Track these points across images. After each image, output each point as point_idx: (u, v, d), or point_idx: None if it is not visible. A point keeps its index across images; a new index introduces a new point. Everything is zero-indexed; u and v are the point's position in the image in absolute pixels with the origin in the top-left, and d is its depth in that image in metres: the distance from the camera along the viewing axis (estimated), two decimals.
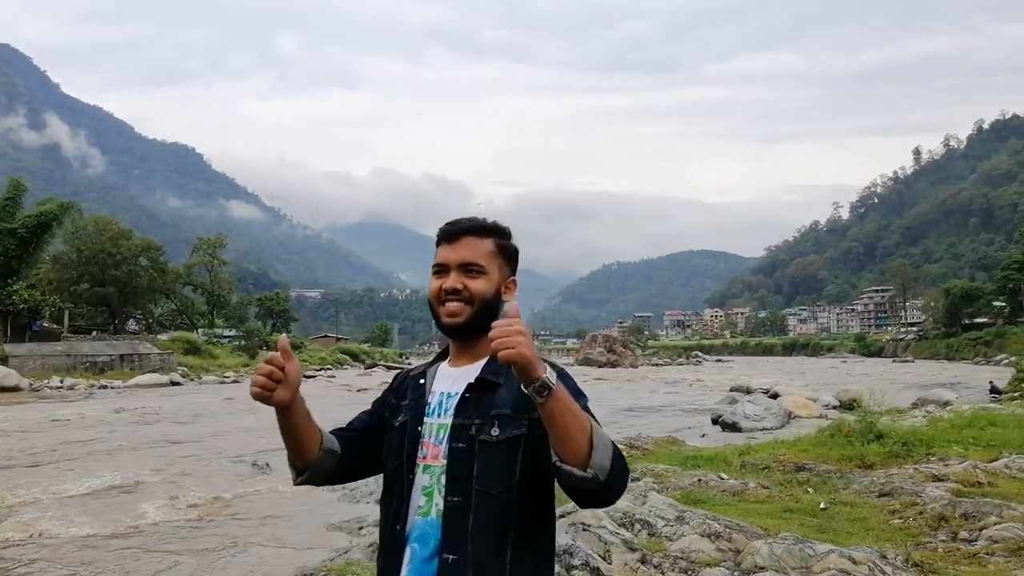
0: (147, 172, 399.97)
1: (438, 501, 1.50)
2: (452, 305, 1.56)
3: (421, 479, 1.55)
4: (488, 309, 1.56)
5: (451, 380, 1.60)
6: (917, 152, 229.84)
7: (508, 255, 1.63)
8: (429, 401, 1.59)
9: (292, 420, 1.60)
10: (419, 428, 1.58)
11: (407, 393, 1.66)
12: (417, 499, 1.54)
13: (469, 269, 1.57)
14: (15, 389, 30.67)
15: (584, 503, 1.44)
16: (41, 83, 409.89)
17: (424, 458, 1.55)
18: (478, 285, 1.57)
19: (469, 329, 1.56)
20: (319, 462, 1.68)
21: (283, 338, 1.58)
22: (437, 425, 1.55)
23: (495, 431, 1.46)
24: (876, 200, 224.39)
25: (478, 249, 1.58)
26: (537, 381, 1.30)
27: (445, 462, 1.50)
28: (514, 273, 1.64)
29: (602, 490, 1.35)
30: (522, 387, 1.33)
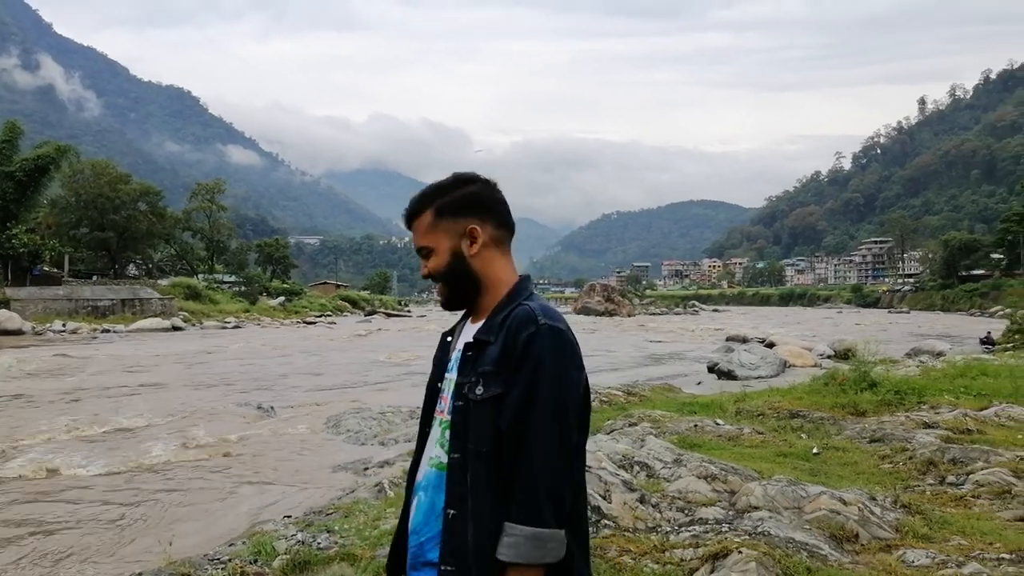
0: (143, 115, 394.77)
1: (443, 456, 1.52)
2: (436, 287, 1.60)
3: (435, 432, 1.58)
4: (454, 275, 1.55)
5: (466, 337, 1.61)
6: (922, 102, 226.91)
7: (454, 208, 1.54)
8: (451, 356, 1.61)
9: None
10: (439, 383, 1.61)
11: (439, 349, 1.70)
12: (430, 450, 1.58)
13: (422, 253, 1.59)
14: (18, 332, 30.90)
15: None
16: (34, 22, 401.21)
17: (441, 412, 1.58)
18: (433, 264, 1.57)
19: (455, 303, 1.59)
20: None
21: None
22: (449, 381, 1.58)
23: (479, 389, 1.46)
24: (879, 151, 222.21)
25: (421, 228, 1.56)
26: None
27: (449, 418, 1.52)
28: (477, 215, 1.54)
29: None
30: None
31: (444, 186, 1.57)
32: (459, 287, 1.56)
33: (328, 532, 4.91)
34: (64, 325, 34.34)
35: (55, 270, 46.20)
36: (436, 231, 1.54)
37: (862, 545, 4.06)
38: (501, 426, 1.42)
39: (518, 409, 1.41)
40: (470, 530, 1.42)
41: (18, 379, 15.83)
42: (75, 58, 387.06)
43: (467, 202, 1.54)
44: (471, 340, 1.51)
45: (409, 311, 78.89)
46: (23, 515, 6.34)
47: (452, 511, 1.46)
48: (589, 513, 4.48)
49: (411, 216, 1.59)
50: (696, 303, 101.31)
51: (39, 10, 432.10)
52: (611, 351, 25.37)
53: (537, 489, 1.37)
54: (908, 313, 70.77)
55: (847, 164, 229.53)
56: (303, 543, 4.75)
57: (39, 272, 43.79)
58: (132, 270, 60.50)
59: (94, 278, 49.26)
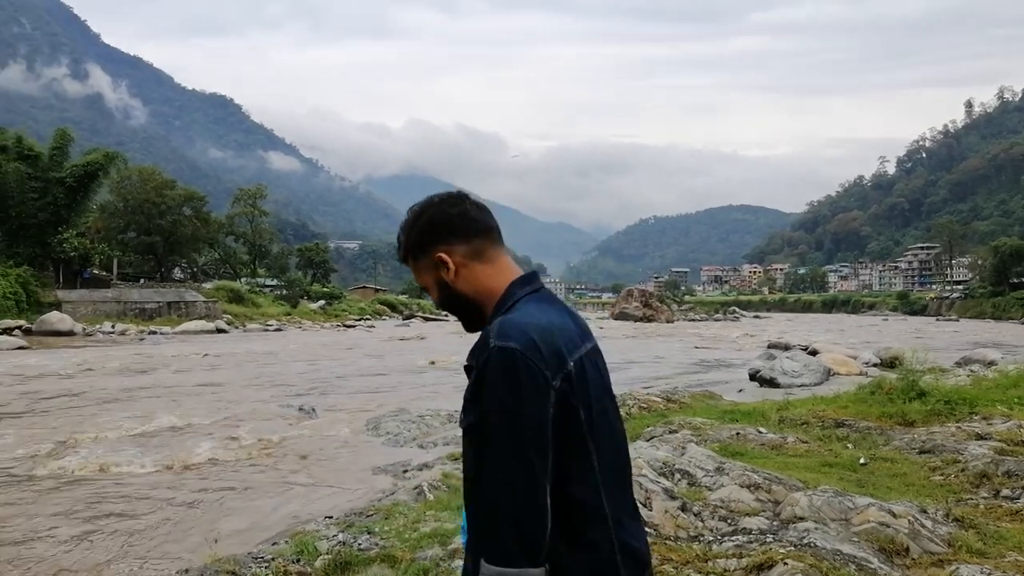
0: (187, 123, 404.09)
1: None
2: None
3: None
4: (450, 304, 1.49)
5: None
6: (969, 105, 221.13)
7: (420, 244, 1.47)
8: None
9: None
10: None
11: None
12: None
13: (425, 291, 1.54)
14: (69, 333, 31.84)
15: None
16: (82, 33, 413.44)
17: None
18: (433, 298, 1.53)
19: (469, 326, 1.49)
20: None
21: None
22: None
23: (461, 417, 1.38)
24: (924, 155, 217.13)
25: (414, 271, 1.50)
26: None
27: None
28: (439, 241, 1.44)
29: None
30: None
31: (405, 226, 1.49)
32: (461, 312, 1.49)
33: (369, 533, 4.95)
34: (113, 326, 35.28)
35: (104, 273, 47.48)
36: (419, 271, 1.48)
37: (913, 559, 3.95)
38: None
39: (473, 439, 1.32)
40: (467, 562, 1.35)
41: (71, 377, 16.29)
42: (122, 67, 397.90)
43: (426, 233, 1.46)
44: (464, 364, 1.41)
45: (447, 316, 79.04)
46: (75, 512, 6.51)
47: (464, 540, 1.42)
48: None
49: (403, 261, 1.52)
50: (737, 309, 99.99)
51: (88, 21, 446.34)
52: (649, 357, 25.16)
53: (497, 525, 1.26)
54: (957, 321, 68.91)
55: (891, 168, 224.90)
56: (344, 544, 4.80)
57: (89, 275, 45.06)
58: (177, 273, 61.93)
59: (141, 281, 50.52)
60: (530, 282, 1.44)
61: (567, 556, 1.30)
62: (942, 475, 5.91)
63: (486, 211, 1.49)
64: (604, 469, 1.35)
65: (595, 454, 1.34)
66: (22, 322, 32.50)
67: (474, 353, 1.35)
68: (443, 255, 1.44)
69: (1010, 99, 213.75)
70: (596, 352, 1.43)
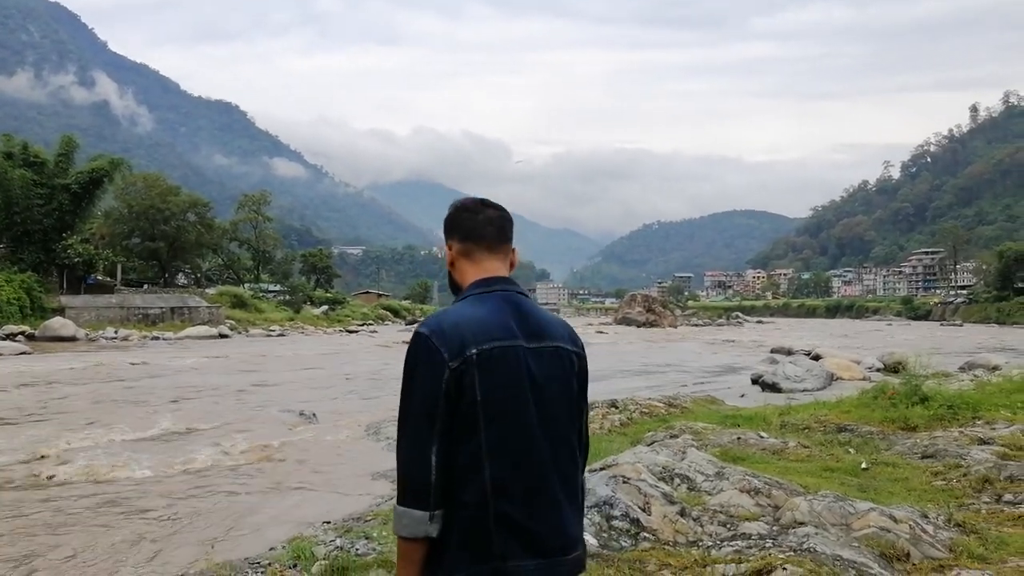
0: (193, 129, 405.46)
1: None
2: None
3: None
4: (450, 285, 1.80)
5: None
6: (974, 109, 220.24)
7: (444, 232, 1.80)
8: None
9: None
10: None
11: None
12: None
13: None
14: (72, 339, 31.88)
15: None
16: (89, 41, 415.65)
17: None
18: None
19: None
20: None
21: None
22: None
23: None
24: (929, 159, 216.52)
25: None
26: None
27: None
28: (449, 235, 1.78)
29: None
30: None
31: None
32: (454, 294, 1.76)
33: (367, 539, 4.92)
34: (116, 332, 35.30)
35: (108, 279, 47.58)
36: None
37: (913, 565, 3.91)
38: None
39: None
40: None
41: (73, 384, 16.30)
42: (129, 75, 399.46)
43: (445, 227, 1.78)
44: None
45: None
46: (71, 518, 6.49)
47: None
48: (628, 526, 4.46)
49: None
50: (740, 314, 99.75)
51: (95, 29, 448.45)
52: (651, 362, 25.12)
53: (399, 472, 1.57)
54: (961, 326, 68.66)
55: (896, 173, 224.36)
56: (342, 549, 4.77)
57: (93, 281, 45.15)
58: (181, 279, 62.04)
59: (145, 287, 50.62)
60: (487, 284, 1.68)
61: (448, 510, 1.55)
62: (944, 480, 5.86)
63: (495, 222, 1.75)
64: (498, 445, 1.55)
65: (484, 429, 1.54)
66: (25, 328, 32.55)
67: None
68: (449, 246, 1.77)
69: (1016, 104, 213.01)
70: (540, 353, 1.63)
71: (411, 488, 1.54)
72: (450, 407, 1.53)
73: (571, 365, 1.69)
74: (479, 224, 1.73)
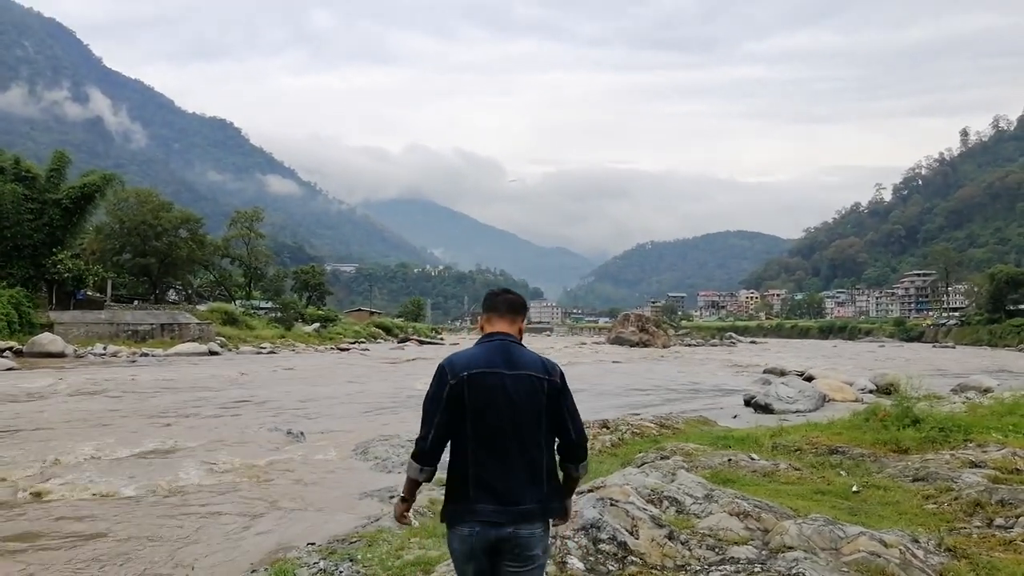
0: (187, 146, 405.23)
1: None
2: None
3: None
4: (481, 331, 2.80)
5: None
6: (965, 133, 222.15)
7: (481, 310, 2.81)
8: None
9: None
10: None
11: None
12: None
13: None
14: (60, 355, 31.61)
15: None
16: (84, 57, 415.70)
17: None
18: None
19: None
20: None
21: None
22: None
23: None
24: (920, 182, 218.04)
25: None
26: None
27: None
28: (482, 309, 2.78)
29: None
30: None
31: None
32: None
33: (351, 561, 4.84)
34: (105, 348, 35.04)
35: (98, 295, 47.30)
36: None
37: None
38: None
39: None
40: None
41: (56, 401, 16.10)
42: (123, 91, 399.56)
43: (482, 305, 2.81)
44: None
45: (442, 339, 79.03)
46: (49, 538, 6.37)
47: None
48: (615, 549, 4.41)
49: None
50: (733, 335, 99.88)
51: (90, 45, 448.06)
52: (644, 382, 25.04)
53: (416, 439, 2.63)
54: (954, 348, 68.83)
55: (888, 195, 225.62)
56: (325, 572, 4.68)
57: (83, 296, 44.87)
58: (172, 295, 61.72)
59: (135, 303, 50.30)
60: (491, 336, 2.67)
61: (447, 474, 2.62)
62: (935, 503, 5.81)
63: (506, 302, 2.74)
64: (480, 436, 2.53)
65: (471, 425, 2.53)
66: (13, 343, 32.28)
67: None
68: (479, 316, 2.80)
69: (1005, 128, 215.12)
70: (517, 377, 2.56)
71: (417, 450, 2.61)
72: (450, 408, 2.54)
73: (539, 384, 2.57)
74: (497, 303, 2.74)
